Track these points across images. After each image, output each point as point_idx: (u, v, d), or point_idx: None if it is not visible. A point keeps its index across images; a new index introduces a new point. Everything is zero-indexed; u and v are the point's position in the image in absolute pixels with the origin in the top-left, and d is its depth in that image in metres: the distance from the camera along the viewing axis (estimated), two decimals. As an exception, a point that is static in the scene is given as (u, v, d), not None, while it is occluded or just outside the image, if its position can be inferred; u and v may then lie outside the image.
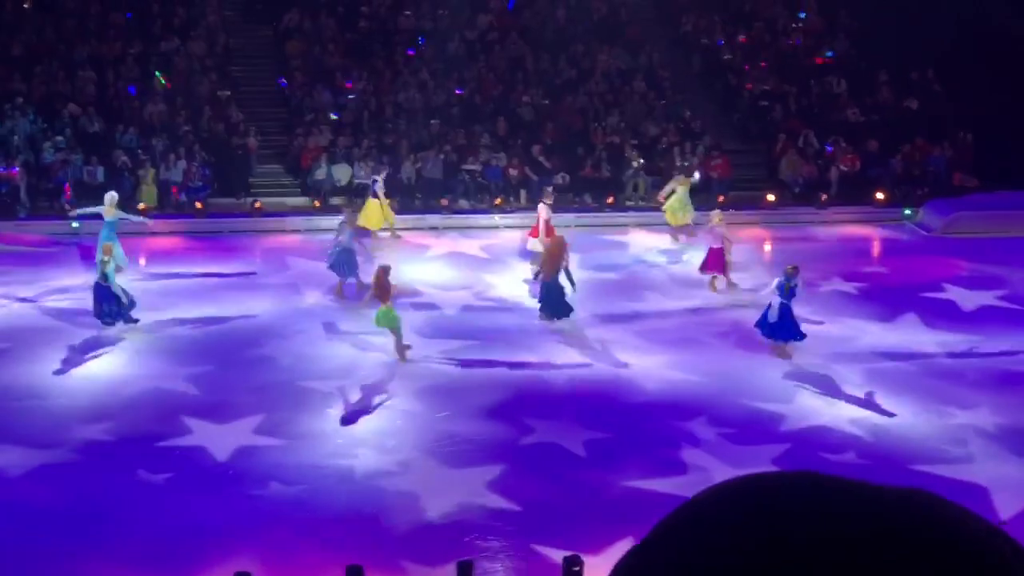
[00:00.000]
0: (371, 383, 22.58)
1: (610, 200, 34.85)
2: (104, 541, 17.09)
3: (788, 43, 41.51)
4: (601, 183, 35.46)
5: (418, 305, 26.49)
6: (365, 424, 21.04)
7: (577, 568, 15.09)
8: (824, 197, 35.57)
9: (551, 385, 22.82)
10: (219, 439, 20.24)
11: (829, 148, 37.05)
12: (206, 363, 23.37)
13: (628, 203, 35.36)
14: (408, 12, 40.13)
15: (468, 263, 30.22)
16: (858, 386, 22.78)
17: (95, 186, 33.34)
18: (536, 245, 28.56)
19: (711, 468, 19.04)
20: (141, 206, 32.99)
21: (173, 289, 27.75)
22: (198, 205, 33.52)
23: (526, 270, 28.67)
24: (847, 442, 20.64)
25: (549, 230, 28.46)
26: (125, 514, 17.80)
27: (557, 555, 15.76)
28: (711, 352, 24.32)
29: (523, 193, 35.22)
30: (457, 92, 37.69)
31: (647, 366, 23.53)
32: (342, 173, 34.86)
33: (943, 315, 26.74)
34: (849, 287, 28.59)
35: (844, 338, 25.26)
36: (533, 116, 37.41)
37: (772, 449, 20.03)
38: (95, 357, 23.66)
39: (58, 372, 22.78)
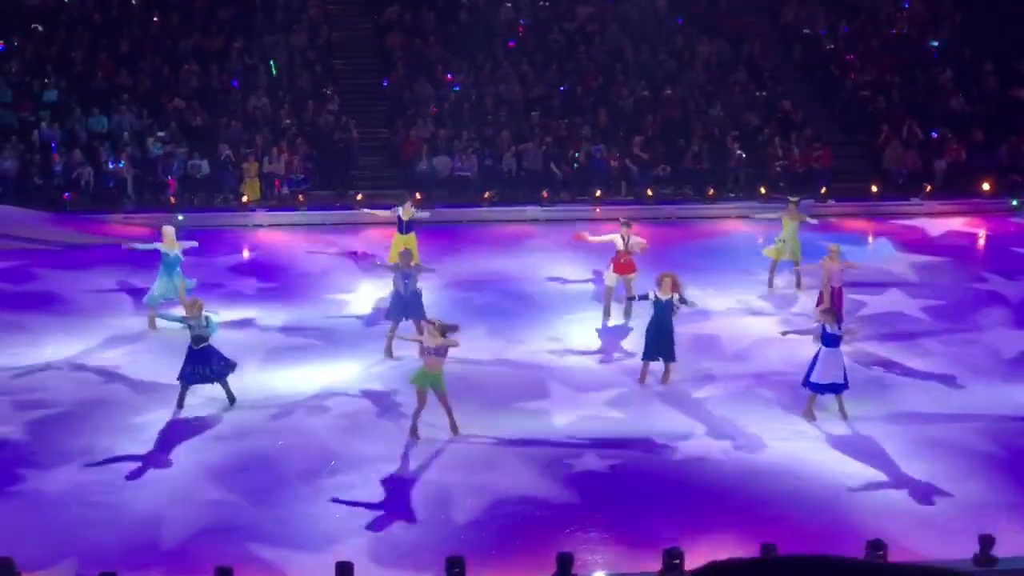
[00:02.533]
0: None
1: (711, 192, 34.69)
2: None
3: (892, 32, 41.05)
4: (702, 174, 35.31)
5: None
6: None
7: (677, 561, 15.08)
8: (928, 188, 35.17)
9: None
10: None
11: (935, 135, 36.61)
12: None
13: (730, 195, 35.17)
14: (508, 4, 40.18)
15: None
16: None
17: (199, 179, 33.77)
18: (611, 279, 25.56)
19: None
20: (244, 199, 33.40)
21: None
22: (300, 198, 33.81)
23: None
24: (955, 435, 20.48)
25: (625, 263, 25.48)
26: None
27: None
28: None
29: (623, 185, 35.18)
30: (560, 89, 37.63)
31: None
32: (443, 165, 35.01)
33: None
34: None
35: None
36: (633, 108, 37.31)
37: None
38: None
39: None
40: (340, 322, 25.70)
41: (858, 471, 19.65)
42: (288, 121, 35.61)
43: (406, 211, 27.33)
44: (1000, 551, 16.30)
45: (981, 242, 32.19)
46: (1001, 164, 36.22)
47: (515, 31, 39.78)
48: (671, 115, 37.15)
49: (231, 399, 21.35)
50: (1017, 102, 38.17)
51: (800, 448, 20.36)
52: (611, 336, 24.90)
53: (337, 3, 40.91)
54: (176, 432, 20.70)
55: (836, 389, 20.98)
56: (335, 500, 18.38)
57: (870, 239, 32.58)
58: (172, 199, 33.11)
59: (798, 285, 27.41)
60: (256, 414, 21.23)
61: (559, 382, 22.78)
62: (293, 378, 22.78)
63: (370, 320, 25.70)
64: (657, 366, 22.68)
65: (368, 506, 18.36)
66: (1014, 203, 34.29)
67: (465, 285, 27.99)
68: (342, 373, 23.03)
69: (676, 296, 22.21)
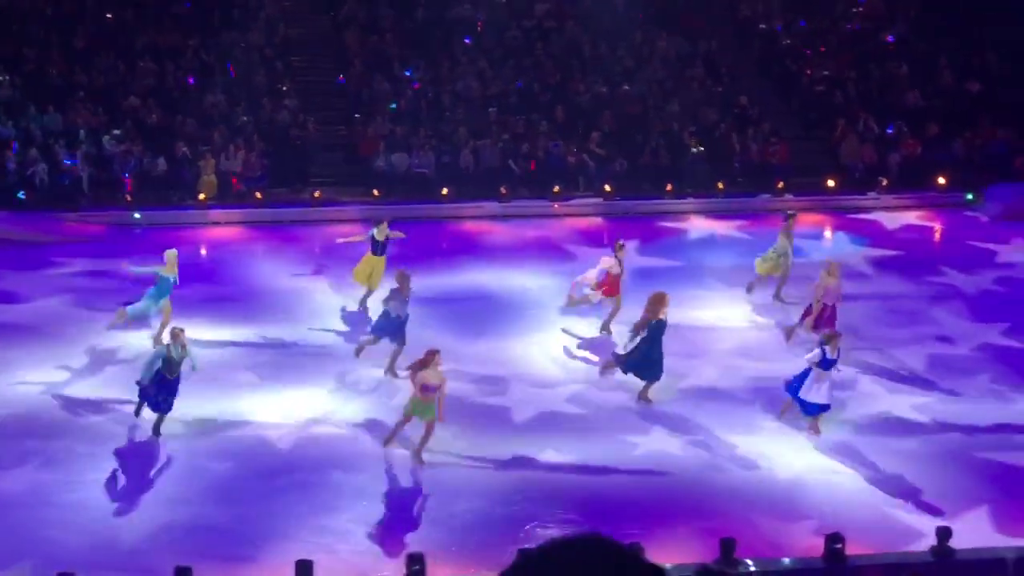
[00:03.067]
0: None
1: (668, 187, 34.72)
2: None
3: (848, 28, 41.21)
4: (659, 170, 35.34)
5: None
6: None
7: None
8: (885, 182, 35.32)
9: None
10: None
11: (891, 130, 36.77)
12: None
13: (687, 190, 35.20)
14: (466, 2, 40.10)
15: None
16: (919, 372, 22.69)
17: (156, 176, 33.58)
18: (596, 297, 25.03)
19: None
20: (201, 196, 33.23)
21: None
22: (257, 195, 33.66)
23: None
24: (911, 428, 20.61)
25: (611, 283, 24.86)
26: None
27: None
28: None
29: (581, 180, 35.19)
30: (518, 86, 37.62)
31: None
32: (401, 162, 34.96)
33: (1007, 300, 26.59)
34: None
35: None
36: (591, 104, 37.32)
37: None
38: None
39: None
40: (298, 319, 25.62)
41: (817, 465, 19.76)
42: (245, 118, 35.46)
43: (380, 231, 26.23)
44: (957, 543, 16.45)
45: (937, 236, 32.35)
46: (956, 158, 36.40)
47: (473, 28, 39.71)
48: (629, 111, 37.17)
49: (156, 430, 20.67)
50: (972, 96, 38.37)
51: (761, 443, 20.45)
52: (573, 337, 24.87)
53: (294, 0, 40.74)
54: (134, 432, 20.61)
55: (823, 409, 20.80)
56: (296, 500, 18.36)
57: (827, 234, 32.70)
58: (128, 197, 32.91)
59: (777, 296, 26.76)
60: (214, 411, 21.14)
61: (520, 381, 22.78)
62: (248, 377, 22.70)
63: (319, 315, 25.62)
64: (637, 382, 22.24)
65: (328, 505, 18.34)
66: (969, 196, 34.47)
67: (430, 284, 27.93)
68: (298, 373, 22.97)
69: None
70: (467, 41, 39.14)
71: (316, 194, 33.74)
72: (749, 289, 27.03)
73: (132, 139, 34.07)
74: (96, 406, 21.34)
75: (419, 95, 37.07)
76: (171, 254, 24.31)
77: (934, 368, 23.49)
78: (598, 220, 32.56)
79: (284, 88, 36.77)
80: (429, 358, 19.73)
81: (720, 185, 34.90)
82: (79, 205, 32.83)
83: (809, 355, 20.86)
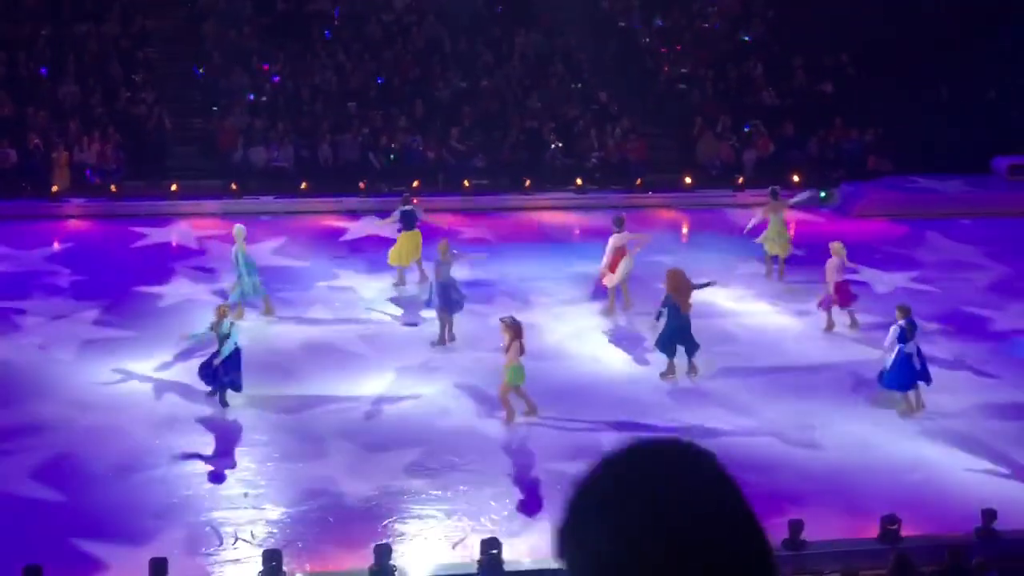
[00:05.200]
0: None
1: (527, 183, 34.84)
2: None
3: (705, 26, 41.66)
4: (518, 166, 35.46)
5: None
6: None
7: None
8: (740, 180, 35.79)
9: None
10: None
11: (746, 129, 37.27)
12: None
13: (546, 186, 35.35)
14: (325, -6, 39.87)
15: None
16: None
17: (7, 169, 32.95)
18: (612, 280, 25.69)
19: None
20: (54, 189, 32.67)
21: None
22: (112, 188, 33.17)
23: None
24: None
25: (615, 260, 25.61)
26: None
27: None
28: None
29: (440, 176, 35.19)
30: (377, 80, 37.48)
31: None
32: (259, 155, 34.68)
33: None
34: (763, 269, 28.73)
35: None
36: (450, 99, 37.33)
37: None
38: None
39: None
40: (155, 314, 25.32)
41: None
42: (100, 110, 34.92)
43: (405, 207, 27.55)
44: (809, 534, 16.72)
45: (790, 232, 32.78)
46: (810, 156, 37.01)
47: (332, 21, 39.49)
48: (488, 106, 37.26)
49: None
50: (825, 96, 39.02)
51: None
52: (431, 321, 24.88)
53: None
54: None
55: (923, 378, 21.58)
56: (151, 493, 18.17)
57: (684, 230, 33.01)
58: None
59: (780, 276, 28.26)
60: (70, 409, 20.85)
61: (377, 369, 22.75)
62: (104, 372, 22.41)
63: (178, 311, 25.34)
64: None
65: (184, 500, 18.16)
66: (822, 194, 35.02)
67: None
68: (157, 366, 22.71)
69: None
70: (326, 35, 38.92)
71: (173, 187, 33.36)
72: (768, 274, 28.46)
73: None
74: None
75: (277, 88, 36.81)
76: (239, 228, 25.03)
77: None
78: (456, 215, 32.53)
79: (140, 80, 36.27)
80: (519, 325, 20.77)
81: (578, 181, 35.12)
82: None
83: (888, 340, 21.55)
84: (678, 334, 22.56)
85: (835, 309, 25.12)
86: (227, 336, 20.89)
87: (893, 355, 21.34)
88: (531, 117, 36.90)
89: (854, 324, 25.16)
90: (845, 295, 24.98)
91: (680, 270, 23.09)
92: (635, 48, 40.81)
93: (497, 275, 27.77)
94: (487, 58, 38.90)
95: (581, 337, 24.68)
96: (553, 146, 35.96)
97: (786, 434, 20.70)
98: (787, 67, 39.82)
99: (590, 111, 37.62)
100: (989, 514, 17.36)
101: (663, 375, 22.73)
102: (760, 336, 25.06)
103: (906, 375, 21.39)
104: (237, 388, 21.06)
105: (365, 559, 15.95)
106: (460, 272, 25.08)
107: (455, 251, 24.85)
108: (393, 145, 35.32)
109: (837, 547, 17.15)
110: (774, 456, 19.85)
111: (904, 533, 17.00)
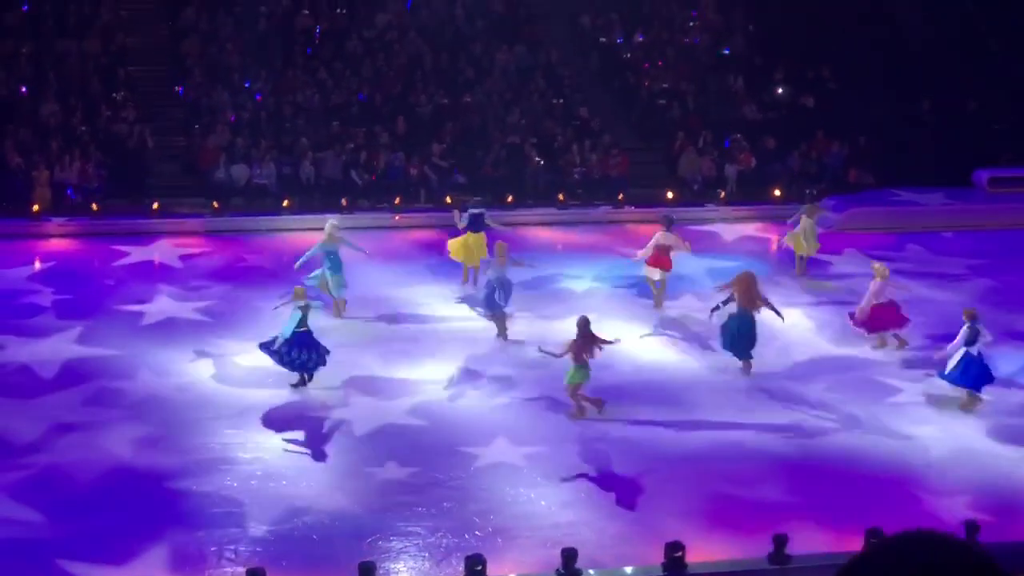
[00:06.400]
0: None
1: (509, 199, 34.84)
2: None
3: (686, 41, 41.73)
4: (501, 182, 35.46)
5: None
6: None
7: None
8: (722, 194, 35.83)
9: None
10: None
11: (727, 144, 37.33)
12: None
13: (528, 202, 35.36)
14: (306, 11, 39.85)
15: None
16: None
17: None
18: (653, 273, 27.04)
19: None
20: (35, 208, 32.58)
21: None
22: (94, 206, 33.08)
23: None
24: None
25: (662, 257, 26.99)
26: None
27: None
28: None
29: (423, 192, 35.18)
30: (360, 97, 37.44)
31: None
32: (240, 173, 34.63)
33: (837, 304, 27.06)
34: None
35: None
36: (432, 115, 37.33)
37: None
38: None
39: None
40: (137, 332, 25.26)
41: (646, 477, 19.96)
42: (81, 128, 34.84)
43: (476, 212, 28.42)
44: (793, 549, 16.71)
45: (773, 247, 32.82)
46: (792, 171, 37.09)
47: (313, 38, 39.47)
48: (470, 122, 37.26)
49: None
50: (806, 110, 39.12)
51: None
52: (412, 342, 24.86)
53: (131, 8, 40.07)
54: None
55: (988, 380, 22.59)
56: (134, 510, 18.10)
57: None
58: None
59: (800, 272, 29.64)
60: (51, 429, 20.78)
61: (359, 390, 22.71)
62: (86, 392, 22.35)
63: (160, 329, 25.29)
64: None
65: (165, 518, 18.09)
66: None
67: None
68: (139, 385, 22.65)
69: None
70: (308, 52, 38.90)
71: (154, 205, 33.29)
72: (800, 272, 29.67)
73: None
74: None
75: (259, 106, 36.77)
76: (332, 223, 26.62)
77: (770, 378, 23.84)
78: (439, 232, 32.48)
79: (117, 97, 36.17)
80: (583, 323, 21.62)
81: (560, 197, 35.13)
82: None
83: (957, 340, 22.32)
84: (742, 333, 23.56)
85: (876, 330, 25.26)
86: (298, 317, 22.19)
87: (959, 356, 22.16)
88: (513, 133, 36.91)
89: (901, 343, 25.23)
90: (876, 320, 24.96)
91: (752, 273, 24.21)
92: (616, 63, 40.87)
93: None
94: (468, 74, 38.92)
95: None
96: (535, 162, 35.96)
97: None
98: (768, 81, 39.91)
99: (572, 126, 37.64)
100: (971, 527, 17.34)
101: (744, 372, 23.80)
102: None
103: (971, 375, 22.27)
104: (312, 365, 22.40)
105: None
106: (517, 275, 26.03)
107: (513, 256, 25.85)
108: (375, 162, 35.30)
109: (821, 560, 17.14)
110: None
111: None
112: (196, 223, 32.80)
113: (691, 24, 42.27)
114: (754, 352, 23.82)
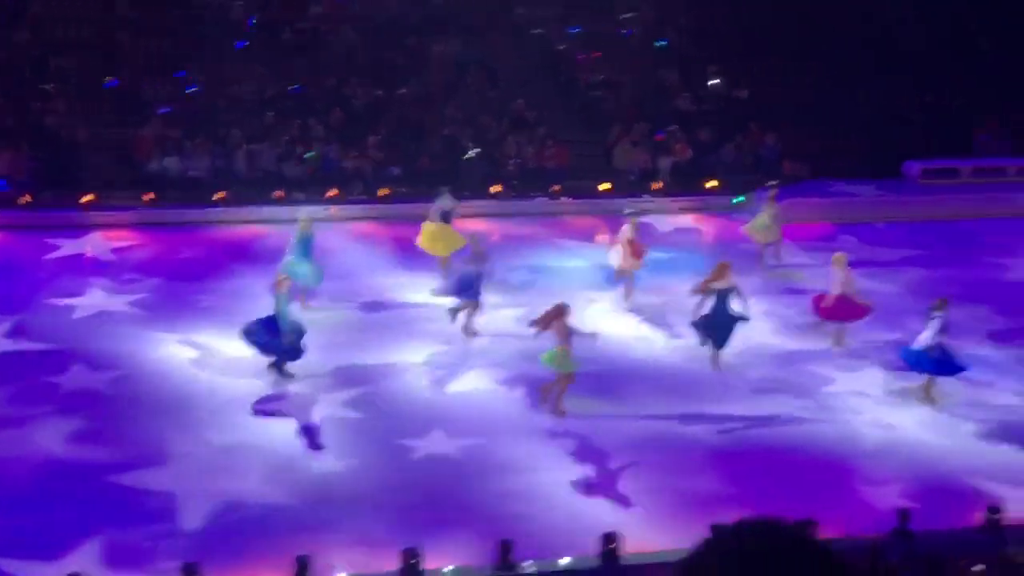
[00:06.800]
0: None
1: (446, 191, 34.70)
2: None
3: (621, 33, 41.79)
4: (436, 174, 35.38)
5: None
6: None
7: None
8: (657, 186, 35.92)
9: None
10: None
11: (662, 134, 37.40)
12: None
13: (464, 193, 35.27)
14: (239, 2, 39.61)
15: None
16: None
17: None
18: (616, 260, 27.44)
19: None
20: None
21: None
22: (25, 199, 32.71)
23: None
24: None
25: (635, 249, 27.31)
26: None
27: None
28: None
29: (358, 184, 35.04)
30: (293, 90, 37.26)
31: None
32: (174, 165, 34.39)
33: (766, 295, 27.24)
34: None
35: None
36: (367, 107, 37.21)
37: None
38: None
39: None
40: (69, 326, 25.05)
41: (584, 469, 20.03)
42: (11, 120, 34.46)
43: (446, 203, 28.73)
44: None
45: (708, 238, 32.94)
46: (725, 162, 37.23)
47: (246, 30, 39.21)
48: (406, 115, 37.17)
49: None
50: (741, 102, 39.28)
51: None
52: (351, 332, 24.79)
53: (63, -1, 39.68)
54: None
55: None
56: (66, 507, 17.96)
57: (599, 237, 32.93)
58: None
59: (776, 256, 29.94)
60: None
61: (297, 381, 22.63)
62: (18, 386, 22.15)
63: (93, 323, 25.10)
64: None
65: (100, 513, 17.97)
66: (739, 199, 35.22)
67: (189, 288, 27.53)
68: (70, 378, 22.48)
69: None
70: (241, 44, 38.66)
71: (87, 198, 32.97)
72: (764, 266, 29.63)
73: None
74: None
75: (193, 98, 36.53)
76: (304, 217, 26.55)
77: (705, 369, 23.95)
78: (374, 224, 32.41)
79: (53, 89, 35.84)
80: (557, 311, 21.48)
81: (496, 188, 35.10)
82: None
83: (927, 332, 22.30)
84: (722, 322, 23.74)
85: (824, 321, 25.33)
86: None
87: (931, 344, 22.23)
88: (449, 125, 36.85)
89: (841, 341, 25.19)
90: (839, 310, 24.97)
91: (729, 263, 24.40)
92: (553, 55, 40.88)
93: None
94: (404, 66, 38.81)
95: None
96: (471, 153, 35.92)
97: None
98: (702, 73, 40.04)
99: (508, 118, 37.62)
100: (903, 514, 17.52)
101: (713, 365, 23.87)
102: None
103: (945, 364, 22.48)
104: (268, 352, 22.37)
105: (287, 571, 15.86)
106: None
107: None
108: (310, 154, 35.14)
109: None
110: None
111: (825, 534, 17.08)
112: (129, 216, 32.50)
113: (626, 16, 42.31)
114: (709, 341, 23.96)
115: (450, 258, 27.65)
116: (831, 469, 20.10)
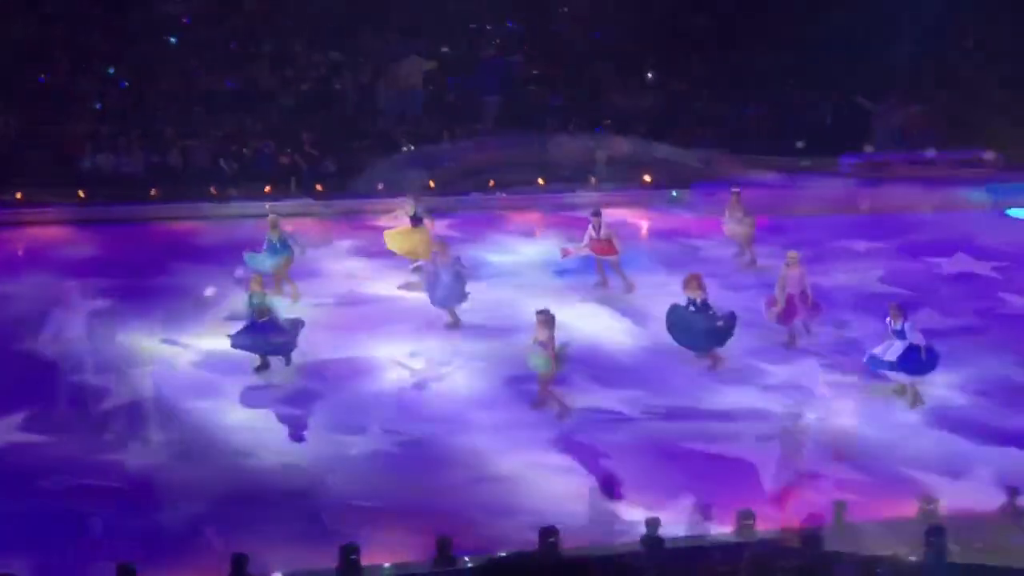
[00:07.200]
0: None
1: (380, 187, 34.68)
2: None
3: (554, 29, 41.83)
4: (371, 170, 35.28)
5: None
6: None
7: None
8: (593, 180, 35.98)
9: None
10: None
11: (599, 129, 37.51)
12: None
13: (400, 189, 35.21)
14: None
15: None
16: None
17: None
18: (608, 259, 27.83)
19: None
20: None
21: None
22: (-43, 197, 32.44)
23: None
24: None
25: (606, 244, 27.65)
26: None
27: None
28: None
29: (293, 181, 34.89)
30: (227, 84, 37.12)
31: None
32: (107, 162, 34.16)
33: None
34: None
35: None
36: (302, 104, 37.08)
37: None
38: None
39: None
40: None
41: (535, 460, 20.09)
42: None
43: (412, 206, 28.42)
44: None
45: (643, 233, 33.04)
46: (660, 157, 37.32)
47: (181, 25, 38.98)
48: (340, 110, 37.08)
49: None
50: (677, 96, 39.40)
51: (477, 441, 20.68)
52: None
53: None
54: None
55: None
56: None
57: (538, 231, 32.98)
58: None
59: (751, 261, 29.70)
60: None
61: (232, 376, 22.56)
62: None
63: (24, 320, 24.91)
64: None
65: (33, 517, 17.82)
66: (673, 194, 35.36)
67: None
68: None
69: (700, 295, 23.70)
70: (176, 39, 38.43)
71: (18, 195, 32.69)
72: (743, 262, 29.78)
73: None
74: None
75: (125, 93, 36.29)
76: (273, 219, 26.66)
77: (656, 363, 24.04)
78: (310, 220, 32.28)
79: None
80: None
81: (431, 184, 35.03)
82: None
83: (907, 334, 22.16)
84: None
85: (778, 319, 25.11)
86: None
87: (904, 346, 22.12)
88: (383, 120, 36.78)
89: (794, 340, 25.11)
90: (792, 310, 24.80)
91: (699, 274, 24.35)
92: (487, 49, 40.85)
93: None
94: (338, 61, 38.70)
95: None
96: (405, 149, 35.88)
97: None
98: (639, 68, 40.15)
99: (443, 113, 37.59)
100: (840, 505, 17.62)
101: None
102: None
103: (925, 363, 22.37)
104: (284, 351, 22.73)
105: (222, 570, 15.80)
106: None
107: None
108: (244, 150, 34.99)
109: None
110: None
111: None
112: (61, 212, 32.21)
113: (561, 11, 42.36)
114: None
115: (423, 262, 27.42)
116: (765, 461, 20.18)
